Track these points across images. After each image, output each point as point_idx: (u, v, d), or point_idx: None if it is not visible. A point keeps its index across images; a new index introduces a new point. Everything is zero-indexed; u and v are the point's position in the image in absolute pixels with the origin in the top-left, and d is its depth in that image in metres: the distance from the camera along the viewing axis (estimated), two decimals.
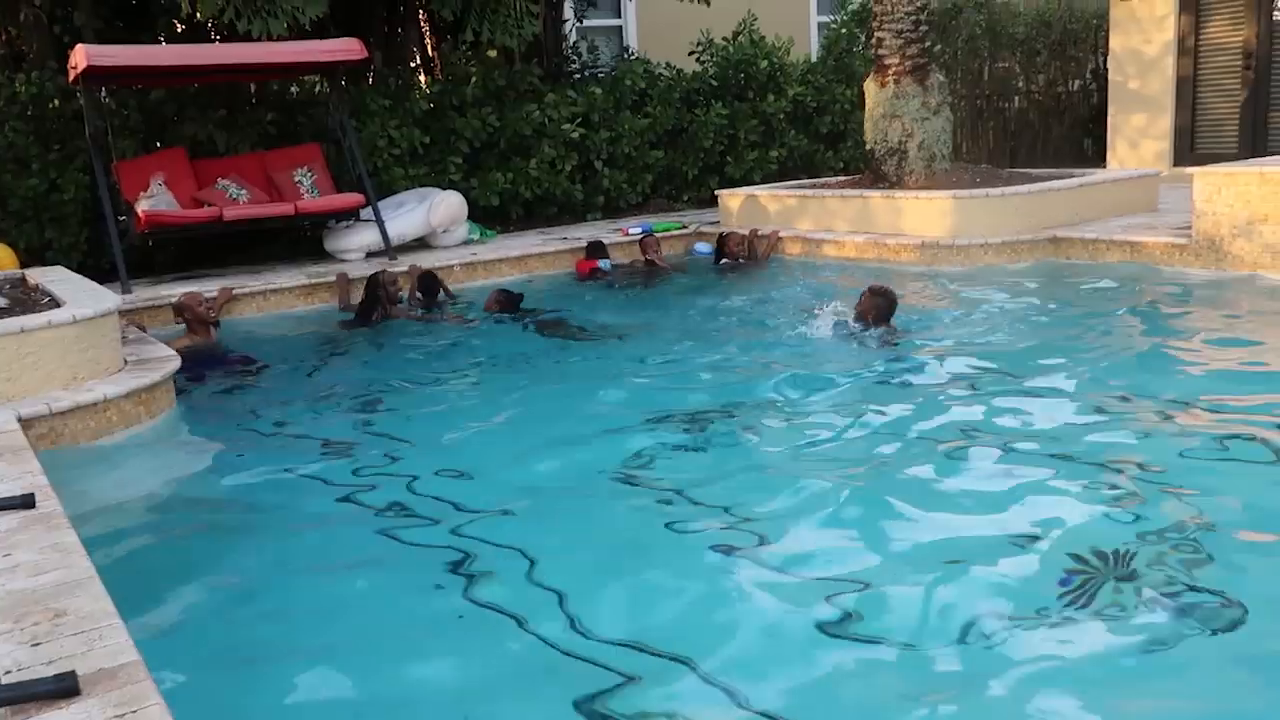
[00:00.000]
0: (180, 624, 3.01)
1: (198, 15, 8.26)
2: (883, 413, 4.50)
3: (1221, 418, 4.17)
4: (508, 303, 7.37)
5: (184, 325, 6.78)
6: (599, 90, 10.91)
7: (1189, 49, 10.88)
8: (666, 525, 3.50)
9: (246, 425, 5.04)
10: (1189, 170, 7.19)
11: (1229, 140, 10.63)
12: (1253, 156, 9.11)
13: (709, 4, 11.65)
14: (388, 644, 2.86)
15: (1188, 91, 10.97)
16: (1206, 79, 10.87)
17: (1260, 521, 3.27)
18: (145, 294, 7.56)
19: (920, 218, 8.15)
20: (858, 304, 5.96)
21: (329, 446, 4.61)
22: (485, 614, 2.95)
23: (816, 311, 6.24)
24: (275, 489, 4.14)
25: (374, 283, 7.28)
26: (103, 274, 7.71)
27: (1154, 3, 11.02)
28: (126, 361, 5.16)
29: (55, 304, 5.13)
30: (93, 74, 7.66)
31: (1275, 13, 10.23)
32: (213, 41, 9.77)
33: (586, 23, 13.00)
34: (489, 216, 10.31)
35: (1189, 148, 10.97)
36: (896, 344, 5.70)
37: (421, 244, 9.27)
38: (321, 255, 9.00)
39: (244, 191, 8.59)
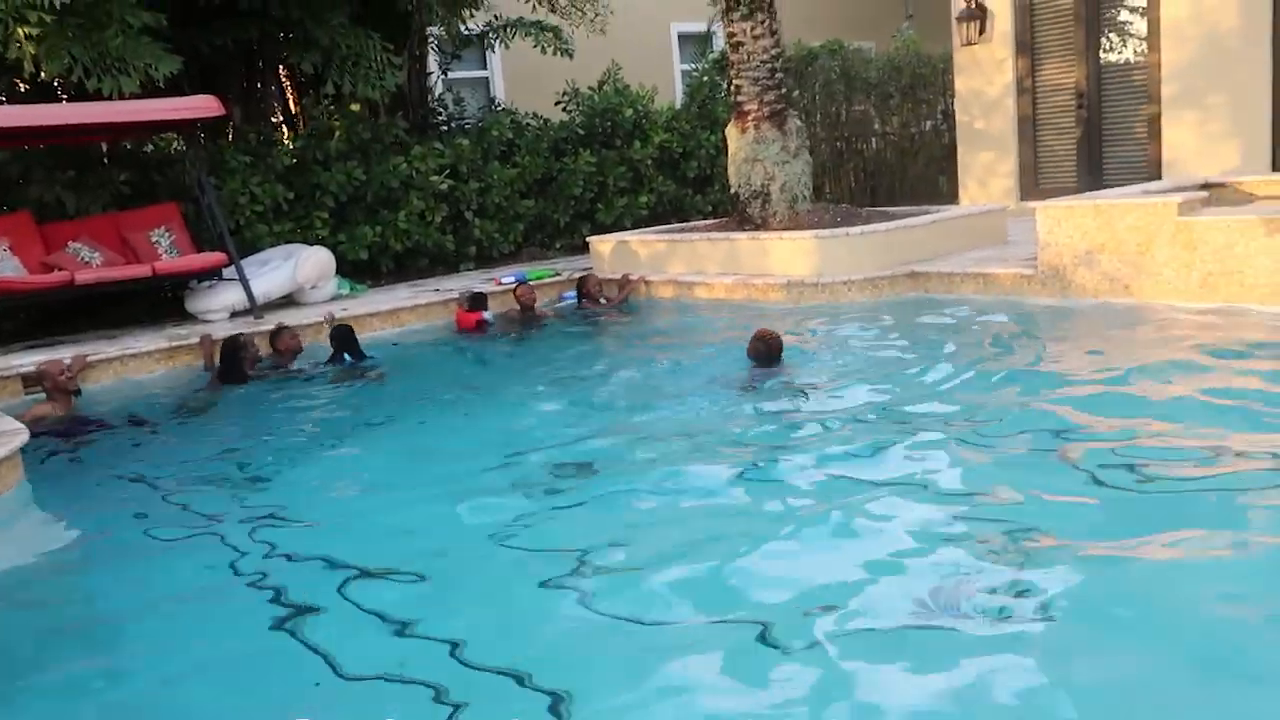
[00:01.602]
0: (25, 710, 2.84)
1: (42, 75, 7.97)
2: (748, 453, 4.60)
3: (1069, 438, 4.39)
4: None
5: (41, 394, 6.49)
6: (466, 141, 10.92)
7: (1027, 89, 11.52)
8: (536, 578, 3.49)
9: (100, 499, 4.82)
10: (1032, 204, 7.60)
11: (1068, 175, 11.27)
12: (1090, 190, 9.67)
13: (571, 56, 11.82)
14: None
15: (1029, 130, 11.60)
16: (1045, 118, 11.51)
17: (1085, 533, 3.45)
18: None
19: (785, 258, 8.38)
20: (748, 347, 6.14)
21: (188, 515, 4.44)
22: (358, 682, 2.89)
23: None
24: (129, 564, 3.97)
25: (233, 344, 7.13)
26: None
27: (993, 47, 11.65)
28: None
29: None
30: None
31: (1102, 54, 10.93)
32: (60, 100, 9.43)
33: (452, 74, 13.03)
34: (359, 271, 10.17)
35: (1034, 183, 11.58)
36: (755, 387, 5.83)
37: (289, 301, 9.07)
38: (184, 317, 8.72)
39: (97, 254, 8.28)
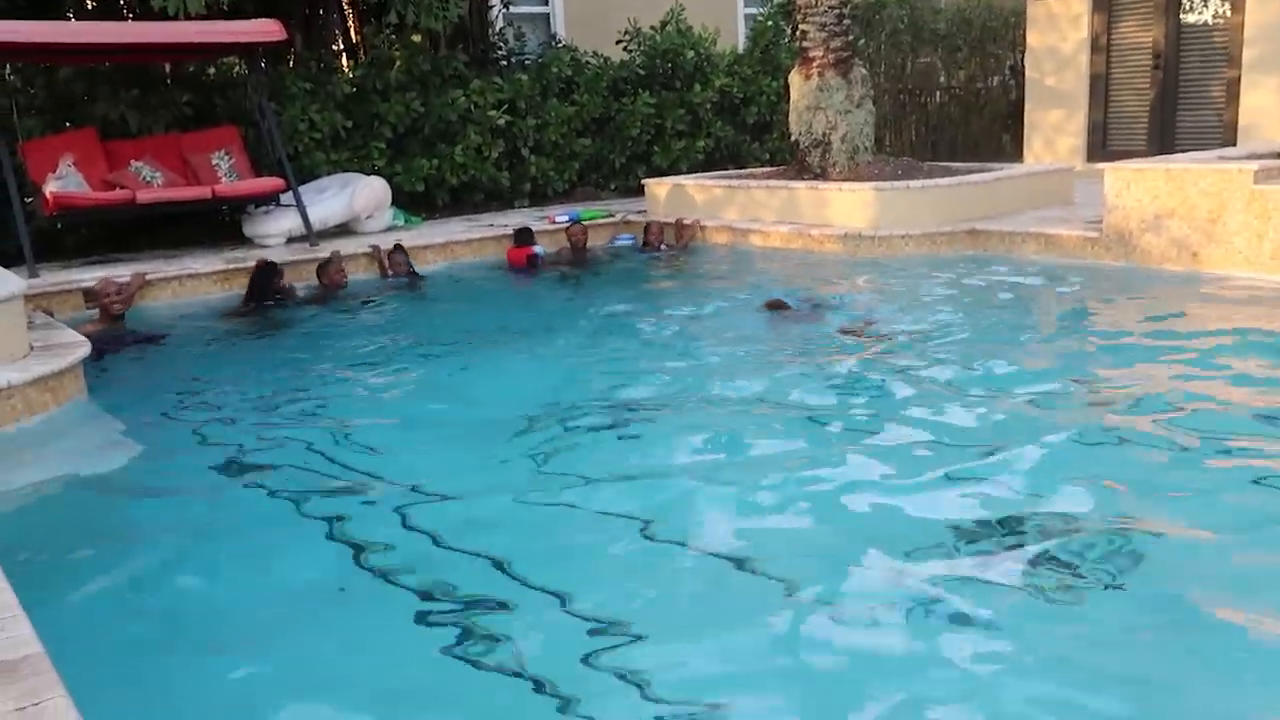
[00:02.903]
0: (85, 615, 2.93)
1: None
2: (801, 400, 4.57)
3: (1125, 406, 4.31)
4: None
5: (96, 310, 6.62)
6: (525, 77, 10.85)
7: (1102, 47, 11.19)
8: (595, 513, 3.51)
9: (157, 412, 4.91)
10: (1101, 166, 7.40)
11: (1139, 137, 10.96)
12: (1161, 153, 9.41)
13: None
14: (290, 627, 2.85)
15: (1101, 89, 11.28)
16: (1118, 77, 11.18)
17: (1151, 507, 3.39)
18: (53, 278, 7.31)
19: (843, 209, 8.27)
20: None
21: (240, 432, 4.53)
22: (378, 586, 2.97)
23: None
24: (184, 476, 4.07)
25: (266, 269, 7.23)
26: (8, 258, 7.43)
27: (1069, 1, 11.30)
28: (33, 347, 4.99)
29: None
30: None
31: (1183, 14, 10.56)
32: (126, 19, 9.47)
33: (513, 9, 12.90)
34: (414, 202, 10.19)
35: (1102, 144, 11.29)
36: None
37: (344, 230, 9.12)
38: (240, 240, 8.81)
39: (158, 174, 8.36)
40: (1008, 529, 3.17)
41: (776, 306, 6.46)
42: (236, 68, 9.96)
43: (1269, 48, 9.71)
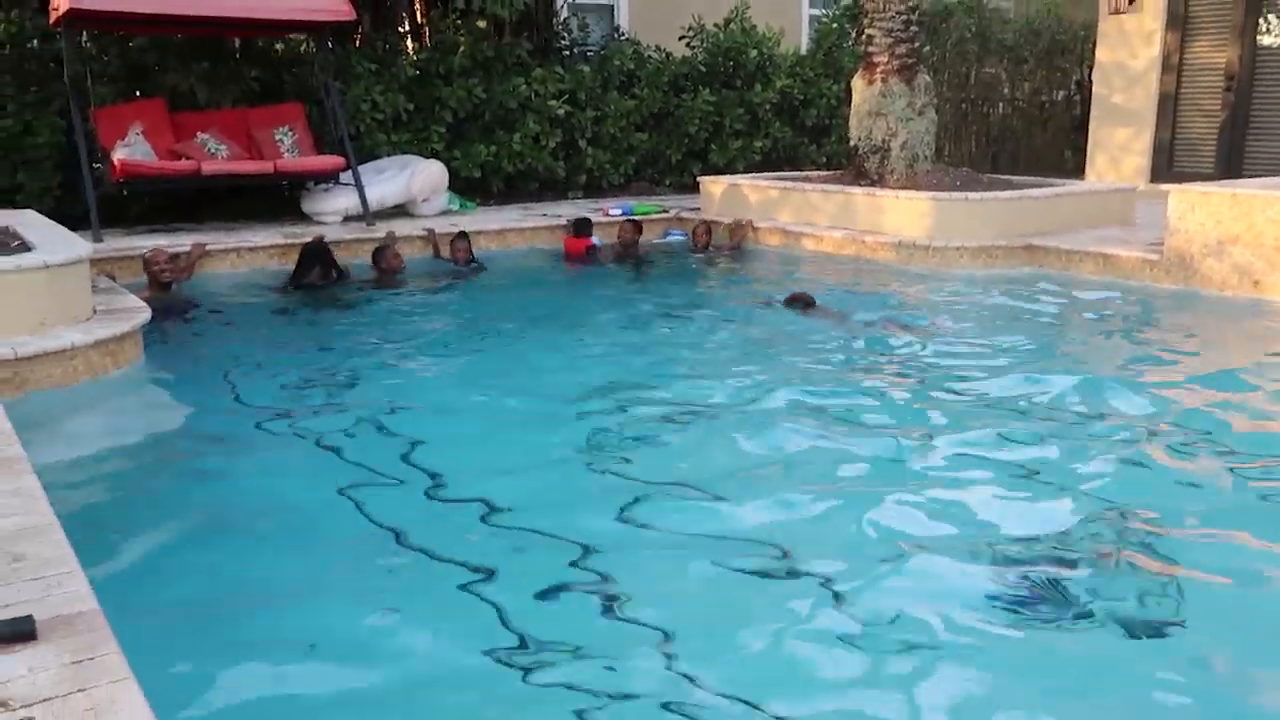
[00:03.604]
0: (140, 573, 3.02)
1: None
2: (840, 404, 4.57)
3: (1174, 438, 4.25)
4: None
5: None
6: (587, 69, 10.88)
7: (1173, 66, 10.99)
8: (631, 501, 3.53)
9: (214, 379, 5.03)
10: (1165, 187, 7.28)
11: (1206, 160, 10.76)
12: (1228, 178, 9.23)
13: None
14: (343, 591, 2.92)
15: (1169, 109, 11.09)
16: (1189, 98, 10.98)
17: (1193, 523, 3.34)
18: (117, 244, 7.47)
19: (899, 217, 8.21)
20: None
21: (295, 401, 4.63)
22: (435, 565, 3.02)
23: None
24: (239, 442, 4.16)
25: (317, 249, 7.28)
26: (75, 221, 7.59)
27: (1142, 17, 11.12)
28: (96, 310, 5.11)
29: (25, 248, 5.07)
30: (75, 17, 7.54)
31: (1260, 36, 10.35)
32: None
33: (578, 0, 12.94)
34: (470, 188, 10.27)
35: (1167, 165, 11.10)
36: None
37: (400, 211, 9.22)
38: (298, 216, 8.94)
39: (223, 147, 8.51)
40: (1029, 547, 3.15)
41: (799, 301, 6.48)
42: (304, 45, 10.09)
43: None
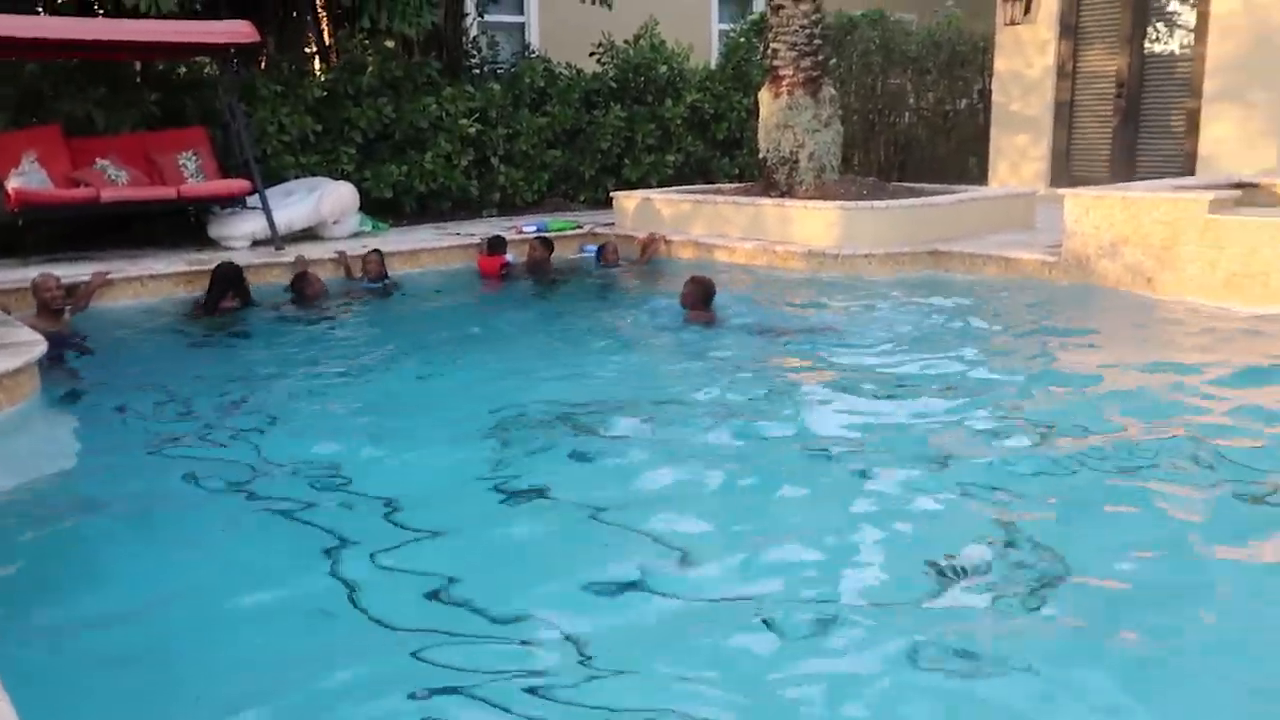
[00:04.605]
0: (37, 626, 2.89)
1: None
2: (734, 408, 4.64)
3: (1072, 433, 4.38)
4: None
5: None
6: (498, 86, 10.88)
7: (1067, 74, 11.37)
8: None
9: (110, 413, 4.89)
10: (1062, 191, 7.53)
11: (1101, 164, 11.14)
12: (1123, 180, 9.57)
13: (611, 7, 11.71)
14: (255, 639, 2.83)
15: (1065, 115, 11.46)
16: (1083, 104, 11.37)
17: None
18: (12, 275, 7.23)
19: (808, 227, 8.35)
20: (680, 294, 6.59)
21: (194, 437, 4.51)
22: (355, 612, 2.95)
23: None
24: (140, 479, 4.04)
25: (227, 273, 7.15)
26: None
27: (1037, 28, 11.48)
28: None
29: None
30: None
31: (1147, 44, 10.76)
32: (97, 15, 9.41)
33: (488, 18, 12.92)
34: (381, 209, 10.17)
35: (1065, 170, 11.46)
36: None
37: (310, 234, 9.09)
38: (204, 242, 8.75)
39: (123, 172, 8.31)
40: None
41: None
42: (207, 68, 9.91)
43: (1230, 79, 9.91)
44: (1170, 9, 10.60)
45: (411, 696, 2.48)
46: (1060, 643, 2.72)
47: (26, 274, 7.26)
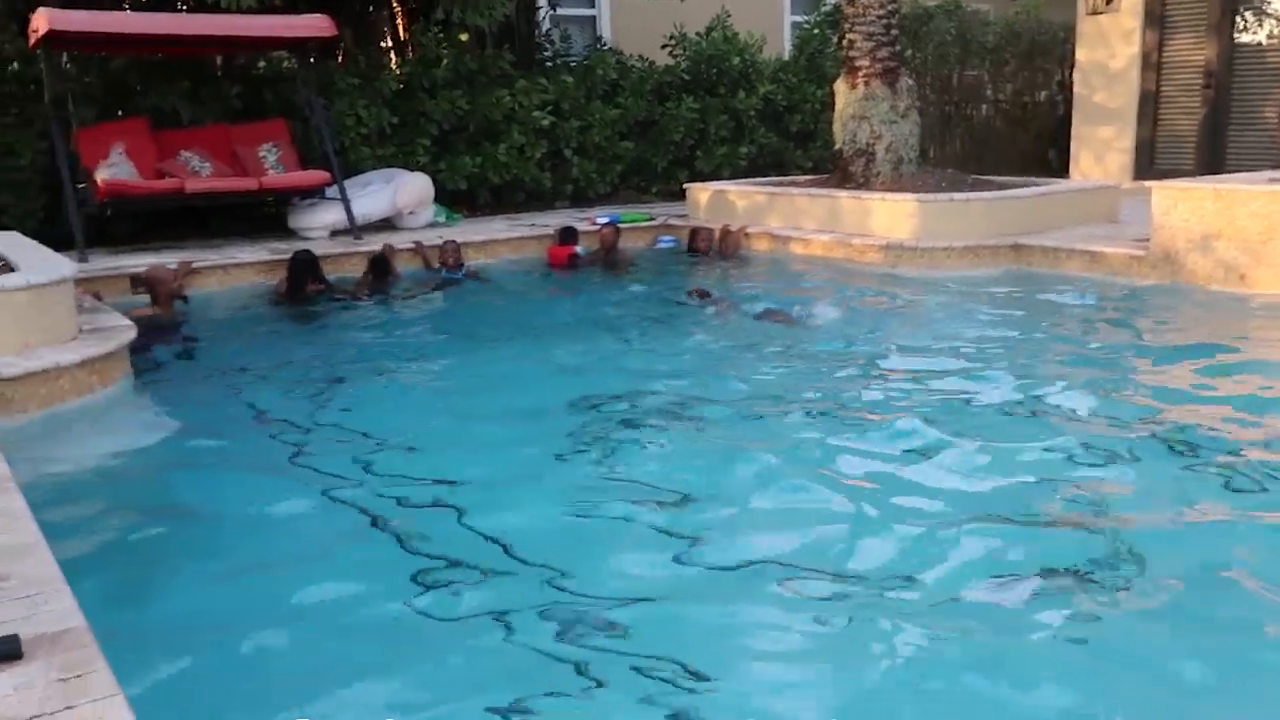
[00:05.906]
0: (127, 591, 2.98)
1: None
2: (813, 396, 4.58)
3: (1170, 429, 4.25)
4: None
5: (147, 296, 6.71)
6: (570, 79, 10.90)
7: (1153, 64, 11.05)
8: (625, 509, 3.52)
9: (202, 397, 5.00)
10: (1148, 184, 7.31)
11: (1187, 157, 10.81)
12: (1209, 173, 9.27)
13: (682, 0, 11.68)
14: (333, 611, 2.88)
15: (1150, 107, 11.14)
16: (1169, 95, 11.04)
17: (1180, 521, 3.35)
18: (102, 263, 7.44)
19: (886, 219, 8.22)
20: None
21: (282, 420, 4.59)
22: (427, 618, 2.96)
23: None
24: (227, 460, 4.13)
25: (304, 259, 7.30)
26: (59, 242, 7.55)
27: (1120, 17, 11.18)
28: (81, 330, 5.08)
29: (9, 268, 5.04)
30: (54, 38, 7.51)
31: (1236, 33, 10.41)
32: (180, 11, 9.62)
33: (560, 11, 12.96)
34: (456, 200, 10.26)
35: (1149, 162, 11.15)
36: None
37: (386, 224, 9.20)
38: (284, 232, 8.91)
39: (207, 164, 8.48)
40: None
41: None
42: (286, 62, 10.08)
43: None
44: None
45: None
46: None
47: (116, 262, 7.48)
